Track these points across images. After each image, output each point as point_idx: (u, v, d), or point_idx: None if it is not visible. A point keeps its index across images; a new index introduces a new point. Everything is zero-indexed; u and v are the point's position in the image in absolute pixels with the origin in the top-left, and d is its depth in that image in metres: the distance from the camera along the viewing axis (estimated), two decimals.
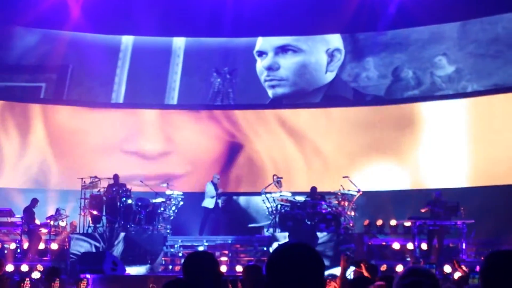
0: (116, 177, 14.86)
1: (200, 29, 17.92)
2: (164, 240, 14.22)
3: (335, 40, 18.25)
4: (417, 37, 17.79)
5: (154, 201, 14.65)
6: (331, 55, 18.14)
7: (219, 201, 15.57)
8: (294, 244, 2.24)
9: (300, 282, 2.14)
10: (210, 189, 15.31)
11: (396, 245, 13.97)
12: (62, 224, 14.70)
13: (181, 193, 15.35)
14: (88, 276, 12.79)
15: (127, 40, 18.45)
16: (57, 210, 14.81)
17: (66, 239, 14.11)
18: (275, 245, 13.38)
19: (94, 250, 13.57)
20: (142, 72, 18.17)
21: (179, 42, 18.57)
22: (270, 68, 18.26)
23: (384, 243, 14.26)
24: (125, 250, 13.65)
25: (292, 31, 18.18)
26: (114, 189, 14.44)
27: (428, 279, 2.48)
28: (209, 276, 3.36)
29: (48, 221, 14.40)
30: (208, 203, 15.21)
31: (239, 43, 18.51)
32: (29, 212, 14.31)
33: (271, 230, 14.55)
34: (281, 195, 14.61)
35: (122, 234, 13.90)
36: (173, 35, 18.49)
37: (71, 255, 13.53)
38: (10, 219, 14.37)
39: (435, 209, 13.65)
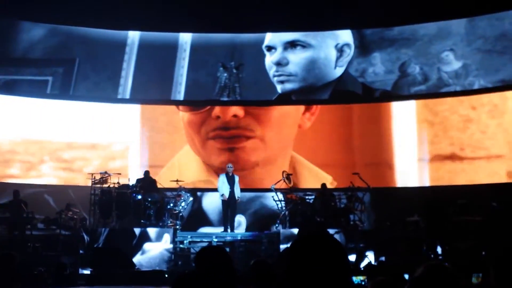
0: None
1: (207, 23, 17.89)
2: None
3: (345, 35, 18.21)
4: (424, 33, 17.79)
5: (163, 197, 14.68)
6: (340, 50, 18.12)
7: (235, 192, 15.09)
8: (314, 234, 2.24)
9: (322, 271, 2.12)
10: (221, 180, 15.22)
11: None
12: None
13: (189, 190, 15.39)
14: None
15: (133, 35, 18.41)
16: (67, 205, 14.84)
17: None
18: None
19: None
20: (149, 67, 18.15)
21: (185, 37, 18.53)
22: (278, 64, 18.22)
23: None
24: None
25: (299, 26, 18.12)
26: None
27: (439, 273, 2.48)
28: (222, 270, 3.37)
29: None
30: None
31: (245, 38, 18.47)
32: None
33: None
34: (290, 191, 14.64)
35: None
36: (180, 30, 18.44)
37: None
38: None
39: None
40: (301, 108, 18.33)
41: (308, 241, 2.19)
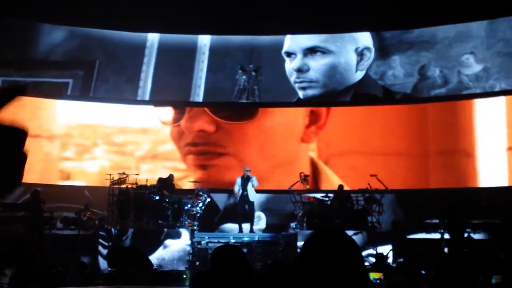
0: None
1: (225, 26, 17.95)
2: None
3: (364, 39, 18.12)
4: (444, 35, 17.68)
5: (181, 198, 14.72)
6: (360, 54, 18.02)
7: (249, 194, 14.98)
8: (328, 231, 2.21)
9: (336, 268, 2.08)
10: (237, 183, 15.12)
11: None
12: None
13: (208, 190, 15.40)
14: None
15: (153, 37, 18.52)
16: (86, 205, 14.95)
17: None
18: None
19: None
20: (168, 69, 18.24)
21: (204, 39, 18.60)
22: (299, 70, 18.12)
23: None
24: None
25: (318, 28, 18.08)
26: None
27: None
28: (237, 269, 3.36)
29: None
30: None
31: (264, 40, 18.49)
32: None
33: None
34: (308, 193, 14.62)
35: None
36: (199, 33, 18.51)
37: None
38: None
39: None
40: (303, 121, 18.15)
41: (321, 238, 2.19)
